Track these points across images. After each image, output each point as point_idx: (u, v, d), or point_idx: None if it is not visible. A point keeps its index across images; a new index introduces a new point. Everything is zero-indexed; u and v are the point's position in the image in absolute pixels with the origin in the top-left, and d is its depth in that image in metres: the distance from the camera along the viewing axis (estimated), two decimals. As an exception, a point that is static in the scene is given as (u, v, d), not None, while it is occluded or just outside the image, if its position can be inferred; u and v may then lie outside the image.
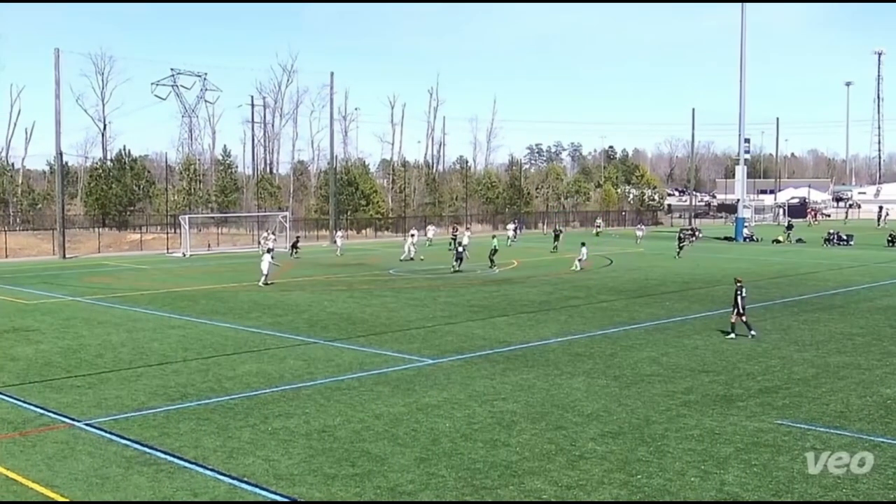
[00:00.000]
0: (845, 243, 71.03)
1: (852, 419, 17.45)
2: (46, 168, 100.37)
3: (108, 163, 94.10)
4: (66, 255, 61.34)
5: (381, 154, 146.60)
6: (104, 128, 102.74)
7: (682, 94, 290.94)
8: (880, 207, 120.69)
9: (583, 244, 49.67)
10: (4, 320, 30.89)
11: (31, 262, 58.90)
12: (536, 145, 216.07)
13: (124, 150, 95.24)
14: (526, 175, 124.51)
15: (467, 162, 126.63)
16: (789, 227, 62.38)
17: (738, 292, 26.24)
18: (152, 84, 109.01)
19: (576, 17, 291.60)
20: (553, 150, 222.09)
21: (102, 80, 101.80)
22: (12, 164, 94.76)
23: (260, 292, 38.55)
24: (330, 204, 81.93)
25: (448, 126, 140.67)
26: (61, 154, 65.87)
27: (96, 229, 78.73)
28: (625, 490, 13.39)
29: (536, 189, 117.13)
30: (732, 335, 26.33)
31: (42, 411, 18.14)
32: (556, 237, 66.70)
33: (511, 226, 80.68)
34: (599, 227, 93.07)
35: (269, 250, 35.64)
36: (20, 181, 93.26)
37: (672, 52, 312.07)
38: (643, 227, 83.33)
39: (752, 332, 26.15)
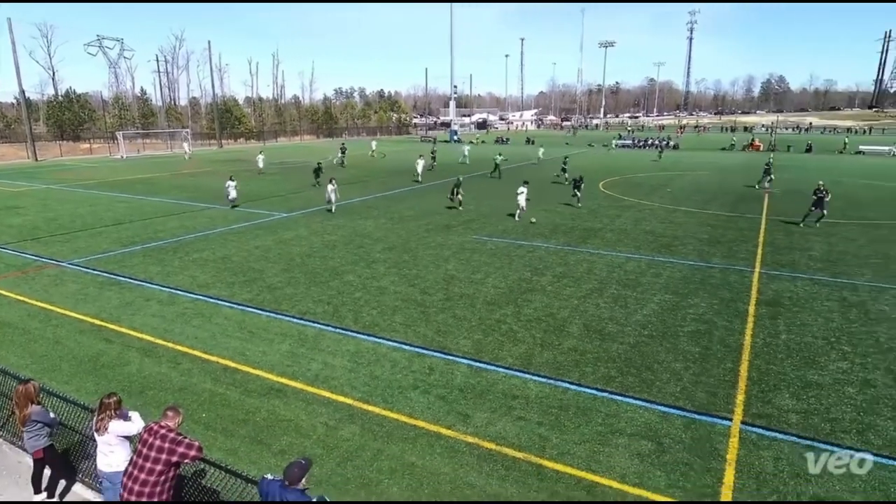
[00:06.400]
0: (505, 143, 74.39)
1: (510, 233, 18.82)
2: (14, 101, 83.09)
3: (60, 98, 79.67)
4: (38, 159, 52.03)
5: (245, 93, 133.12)
6: (53, 74, 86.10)
7: (422, 57, 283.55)
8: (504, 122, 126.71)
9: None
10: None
11: (12, 163, 49.49)
12: (339, 88, 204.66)
13: (71, 89, 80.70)
14: (334, 107, 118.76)
15: (299, 98, 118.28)
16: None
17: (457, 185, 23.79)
18: (84, 45, 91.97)
19: (364, 9, 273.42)
20: (350, 91, 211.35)
21: (48, 42, 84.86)
22: (-14, 99, 78.04)
23: (178, 179, 34.99)
24: (216, 123, 74.49)
25: (286, 76, 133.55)
26: (24, 91, 54.61)
27: (57, 142, 67.09)
28: (397, 277, 13.92)
29: (340, 115, 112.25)
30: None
31: (36, 258, 15.98)
32: (434, 156, 40.59)
33: (340, 154, 48.96)
34: (541, 149, 50.71)
35: (331, 180, 23.71)
36: (-6, 110, 77.28)
37: (419, 31, 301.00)
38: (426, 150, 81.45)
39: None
